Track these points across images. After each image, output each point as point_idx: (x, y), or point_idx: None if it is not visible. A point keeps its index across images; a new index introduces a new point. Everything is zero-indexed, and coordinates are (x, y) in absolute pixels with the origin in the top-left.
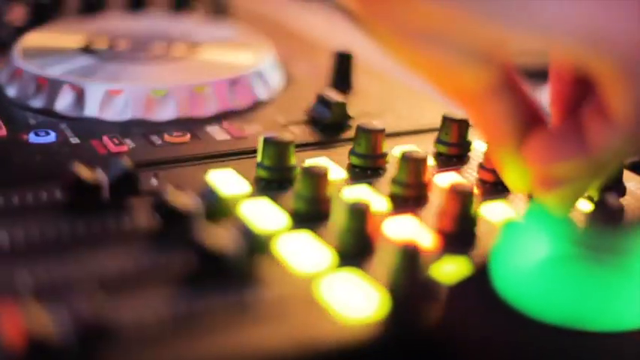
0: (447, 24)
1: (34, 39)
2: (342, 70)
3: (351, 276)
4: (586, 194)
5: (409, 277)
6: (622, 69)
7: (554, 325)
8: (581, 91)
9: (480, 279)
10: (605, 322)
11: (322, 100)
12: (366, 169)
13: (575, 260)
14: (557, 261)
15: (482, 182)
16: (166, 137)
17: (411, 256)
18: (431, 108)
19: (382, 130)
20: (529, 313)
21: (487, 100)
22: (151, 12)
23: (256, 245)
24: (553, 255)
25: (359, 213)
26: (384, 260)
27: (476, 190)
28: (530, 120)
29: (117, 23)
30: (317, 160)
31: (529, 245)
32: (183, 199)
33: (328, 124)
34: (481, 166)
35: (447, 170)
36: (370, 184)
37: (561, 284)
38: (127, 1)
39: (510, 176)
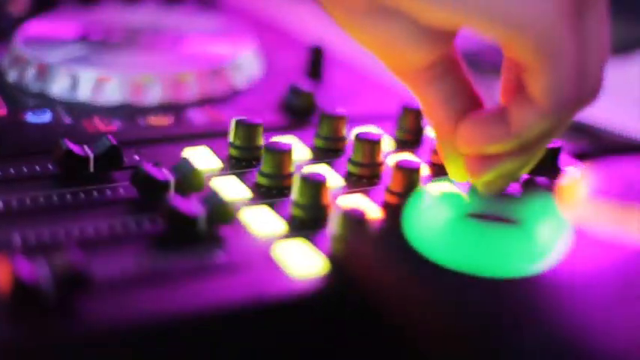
0: (386, 3)
1: (34, 28)
2: (315, 62)
3: (303, 242)
4: (519, 177)
5: (348, 240)
6: (538, 51)
7: (459, 272)
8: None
9: (398, 236)
10: (500, 270)
11: (293, 90)
12: (328, 151)
13: (474, 219)
14: (459, 219)
15: (433, 164)
16: (150, 119)
17: (350, 222)
18: (395, 97)
19: (342, 116)
20: (439, 261)
21: (429, 80)
22: (144, 3)
23: (223, 212)
24: (457, 214)
25: (314, 185)
26: (332, 226)
27: (426, 170)
28: (470, 107)
29: (112, 14)
30: (282, 138)
31: (439, 207)
32: (158, 173)
33: (298, 112)
34: (434, 151)
35: (401, 152)
36: (329, 163)
37: (462, 238)
38: None
39: (451, 165)
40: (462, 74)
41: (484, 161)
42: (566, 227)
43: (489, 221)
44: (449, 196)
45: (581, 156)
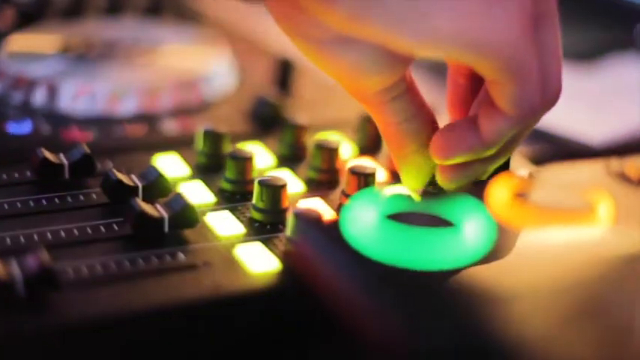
0: (345, 33)
1: (17, 42)
2: (283, 75)
3: (261, 243)
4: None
5: (296, 239)
6: (503, 70)
7: (391, 265)
8: (471, 92)
9: (338, 234)
10: (431, 263)
11: (261, 101)
12: (291, 158)
13: (405, 217)
14: (391, 217)
15: (390, 170)
16: (125, 129)
17: (299, 223)
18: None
19: (303, 126)
20: (373, 256)
21: (385, 102)
22: (125, 17)
23: (187, 216)
24: (389, 212)
25: (271, 189)
26: (287, 228)
27: (382, 174)
28: (424, 125)
29: (92, 28)
30: (249, 146)
31: (370, 207)
32: (127, 180)
33: (265, 121)
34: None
35: (360, 157)
36: (292, 169)
37: (395, 234)
38: (105, 6)
39: (407, 176)
40: (416, 94)
41: (455, 169)
42: (491, 225)
43: (414, 220)
44: (394, 195)
45: (538, 161)
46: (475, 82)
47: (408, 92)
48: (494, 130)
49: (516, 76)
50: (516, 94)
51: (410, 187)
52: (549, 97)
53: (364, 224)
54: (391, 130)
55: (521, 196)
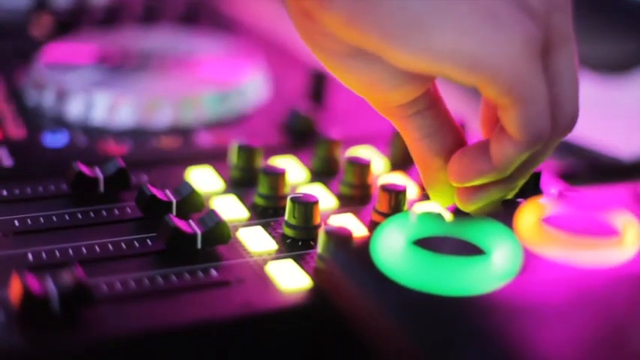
0: (347, 41)
1: (54, 52)
2: (317, 87)
3: (292, 260)
4: (505, 198)
5: (327, 258)
6: (509, 93)
7: (417, 291)
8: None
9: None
10: (456, 289)
11: (294, 114)
12: (324, 172)
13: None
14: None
15: (422, 186)
16: (160, 141)
17: (331, 241)
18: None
19: (336, 140)
20: (401, 282)
21: (409, 116)
22: (161, 25)
23: (219, 232)
24: (418, 236)
25: (304, 206)
26: (318, 245)
27: (414, 190)
28: (451, 141)
29: (128, 38)
30: (282, 160)
31: (403, 231)
32: (161, 194)
33: (298, 134)
34: None
35: (393, 173)
36: (324, 183)
37: (421, 261)
38: (141, 14)
39: (434, 193)
40: (442, 110)
41: (472, 191)
42: (519, 251)
43: (442, 245)
44: (424, 218)
45: (569, 177)
46: None
47: (432, 107)
48: (502, 155)
49: (520, 100)
50: (521, 118)
51: (438, 204)
52: (562, 124)
53: (392, 249)
54: (415, 145)
55: (548, 220)
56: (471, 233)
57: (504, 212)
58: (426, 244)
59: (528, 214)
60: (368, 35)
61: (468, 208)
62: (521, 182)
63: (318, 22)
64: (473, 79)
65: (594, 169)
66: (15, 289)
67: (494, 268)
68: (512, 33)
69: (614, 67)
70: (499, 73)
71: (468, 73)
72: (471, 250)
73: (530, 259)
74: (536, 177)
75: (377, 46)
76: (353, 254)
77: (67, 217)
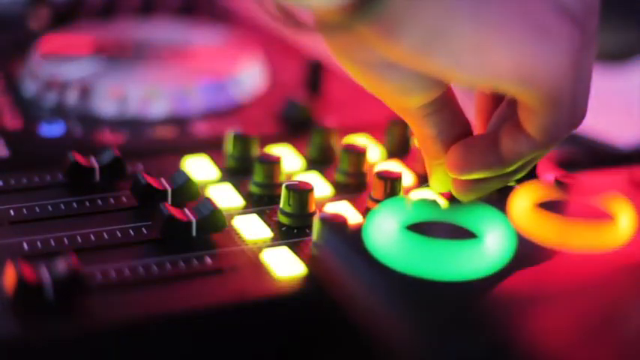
0: (400, 63)
1: (51, 43)
2: (314, 76)
3: (288, 247)
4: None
5: (320, 244)
6: (543, 100)
7: (411, 275)
8: (497, 106)
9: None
10: (450, 274)
11: (291, 104)
12: (320, 161)
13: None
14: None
15: (417, 173)
16: (156, 131)
17: (324, 228)
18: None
19: (332, 129)
20: (395, 267)
21: (425, 115)
22: (158, 16)
23: (214, 220)
24: (411, 221)
25: (298, 194)
26: (314, 231)
27: (409, 178)
28: (460, 135)
29: (125, 28)
30: (278, 149)
31: (396, 216)
32: (157, 183)
33: (295, 124)
34: (418, 160)
35: (388, 161)
36: (320, 172)
37: (414, 245)
38: (138, 6)
39: (435, 181)
40: (455, 107)
41: (471, 183)
42: (512, 236)
43: (435, 230)
44: (417, 203)
45: (566, 164)
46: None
47: (448, 105)
48: (515, 151)
49: (554, 105)
50: (548, 122)
51: (436, 190)
52: (576, 122)
53: (385, 234)
54: (429, 141)
55: (543, 205)
56: (464, 218)
57: (498, 197)
58: (419, 228)
59: (522, 198)
60: (435, 64)
61: (465, 198)
62: (519, 176)
63: (365, 43)
64: (522, 89)
65: (591, 157)
66: (9, 277)
67: (486, 253)
68: (560, 45)
69: (612, 55)
70: (546, 82)
71: (520, 86)
72: (464, 234)
73: (523, 244)
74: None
75: (442, 71)
76: (346, 240)
77: (62, 207)
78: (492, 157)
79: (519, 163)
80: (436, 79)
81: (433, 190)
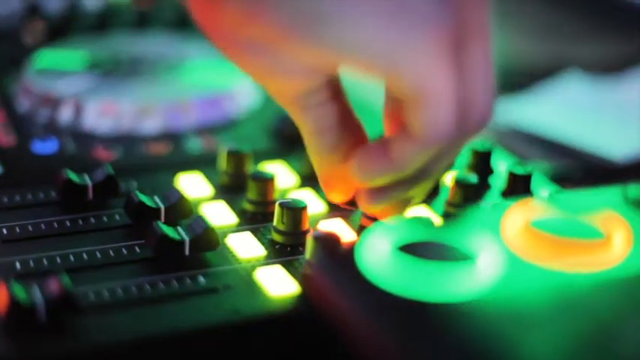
0: (267, 40)
1: (45, 58)
2: None
3: (281, 266)
4: (415, 201)
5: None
6: (415, 89)
7: (401, 297)
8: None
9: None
10: (440, 295)
11: (284, 119)
12: (314, 177)
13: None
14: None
15: None
16: (149, 147)
17: (317, 247)
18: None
19: None
20: (387, 288)
21: (304, 108)
22: (152, 31)
23: (207, 239)
24: (404, 242)
25: (292, 212)
26: (307, 250)
27: None
28: (350, 139)
29: (120, 43)
30: (272, 166)
31: (388, 236)
32: (149, 201)
33: (288, 139)
34: None
35: None
36: (314, 188)
37: (405, 266)
38: (132, 21)
39: (329, 188)
40: (342, 105)
41: (375, 193)
42: (503, 253)
43: (427, 251)
44: (410, 222)
45: (560, 179)
46: None
47: (333, 101)
48: (403, 154)
49: (427, 97)
50: (426, 116)
51: (332, 199)
52: (472, 123)
53: (377, 255)
54: (311, 138)
55: (536, 224)
56: (457, 238)
57: (491, 215)
58: (412, 249)
59: (515, 217)
60: (266, 28)
61: (369, 209)
62: (428, 184)
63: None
64: (378, 73)
65: (586, 171)
66: (1, 297)
67: (478, 274)
68: (423, 27)
69: (607, 68)
70: (406, 69)
71: (372, 68)
72: (457, 255)
73: (515, 264)
74: (526, 179)
75: (276, 39)
76: (338, 260)
77: (55, 225)
78: (383, 161)
79: (412, 166)
80: (314, 63)
81: (332, 200)
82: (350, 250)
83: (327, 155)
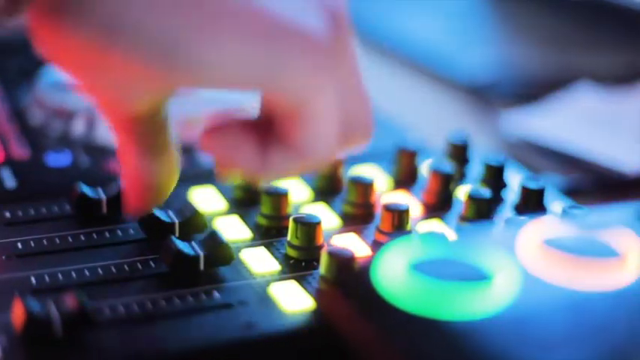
0: (97, 64)
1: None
2: None
3: (295, 281)
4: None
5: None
6: (296, 107)
7: (416, 315)
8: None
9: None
10: (455, 314)
11: None
12: (327, 191)
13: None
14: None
15: (425, 204)
16: None
17: (332, 262)
18: (394, 135)
19: (339, 159)
20: (402, 306)
21: (137, 133)
22: None
23: (222, 253)
24: (417, 262)
25: (306, 226)
26: (321, 265)
27: (417, 209)
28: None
29: None
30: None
31: (404, 254)
32: (164, 215)
33: None
34: (426, 191)
35: (396, 191)
36: (328, 202)
37: (420, 285)
38: None
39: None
40: (166, 135)
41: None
42: (518, 272)
43: (441, 269)
44: (426, 239)
45: (573, 192)
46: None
47: (162, 129)
48: (279, 165)
49: (308, 115)
50: (307, 133)
51: (133, 211)
52: (352, 137)
53: (393, 273)
54: (133, 162)
55: (550, 242)
56: (473, 256)
57: (506, 232)
58: (428, 267)
59: (530, 235)
60: (133, 65)
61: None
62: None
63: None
64: (252, 90)
65: (599, 185)
66: (17, 312)
67: (494, 293)
68: (302, 44)
69: (618, 79)
70: (286, 86)
71: (245, 88)
72: (473, 274)
73: (531, 282)
74: (539, 193)
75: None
76: (354, 277)
77: (70, 239)
78: (259, 162)
79: (282, 175)
80: (149, 89)
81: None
82: (365, 267)
83: (145, 178)
